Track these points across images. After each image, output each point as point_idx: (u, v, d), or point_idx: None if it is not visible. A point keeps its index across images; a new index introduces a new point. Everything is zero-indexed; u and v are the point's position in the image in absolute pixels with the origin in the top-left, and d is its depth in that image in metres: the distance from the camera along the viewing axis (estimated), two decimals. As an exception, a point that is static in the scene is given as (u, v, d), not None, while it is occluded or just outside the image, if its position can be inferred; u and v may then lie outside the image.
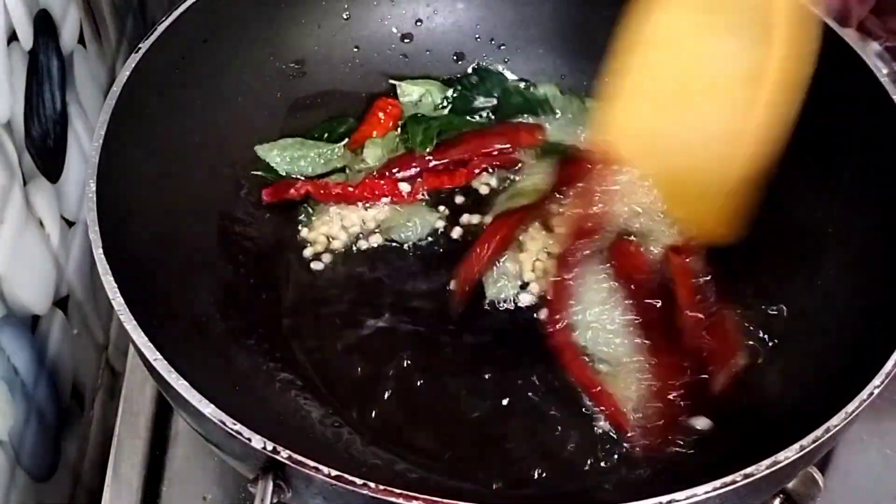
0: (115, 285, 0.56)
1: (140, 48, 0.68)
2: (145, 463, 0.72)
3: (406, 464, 0.64)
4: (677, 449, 0.65)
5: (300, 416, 0.67)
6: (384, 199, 0.79)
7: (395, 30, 0.86)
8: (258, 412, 0.64)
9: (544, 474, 0.64)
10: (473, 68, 0.87)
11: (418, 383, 0.69)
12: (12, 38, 0.66)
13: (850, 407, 0.53)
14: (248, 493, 0.64)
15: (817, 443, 0.52)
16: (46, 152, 0.72)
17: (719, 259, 0.72)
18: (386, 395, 0.68)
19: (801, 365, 0.67)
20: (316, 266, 0.76)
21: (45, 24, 0.72)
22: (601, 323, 0.71)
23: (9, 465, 0.65)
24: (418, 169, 0.81)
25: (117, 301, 0.56)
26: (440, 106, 0.86)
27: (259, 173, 0.79)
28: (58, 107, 0.75)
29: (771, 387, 0.67)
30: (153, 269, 0.66)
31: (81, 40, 0.80)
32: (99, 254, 0.57)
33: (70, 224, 0.77)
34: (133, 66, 0.67)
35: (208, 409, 0.52)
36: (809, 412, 0.56)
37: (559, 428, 0.67)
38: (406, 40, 0.86)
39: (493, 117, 0.86)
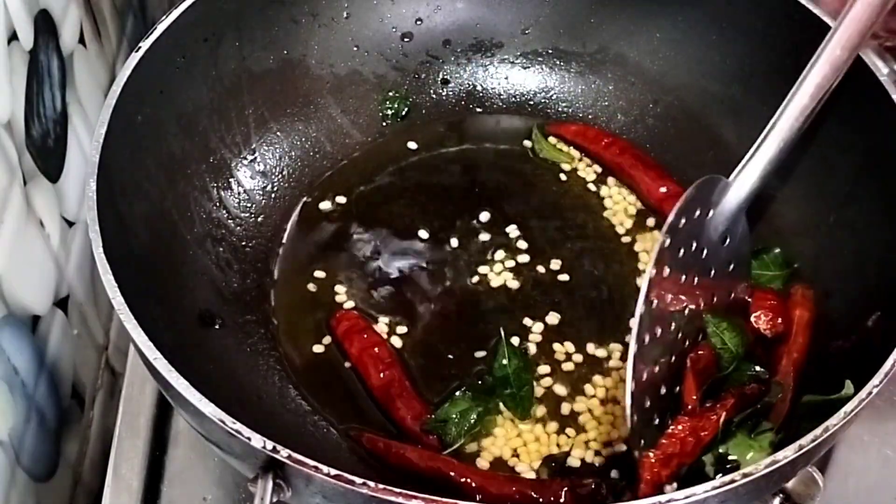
0: (115, 285, 0.56)
1: (140, 48, 0.68)
2: (145, 463, 0.72)
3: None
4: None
5: (299, 415, 0.67)
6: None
7: (395, 29, 0.86)
8: (258, 411, 0.65)
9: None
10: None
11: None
12: (12, 37, 0.66)
13: (849, 406, 0.53)
14: (248, 493, 0.63)
15: (816, 442, 0.52)
16: (46, 152, 0.72)
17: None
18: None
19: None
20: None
21: (45, 24, 0.72)
22: None
23: (9, 465, 0.65)
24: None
25: (117, 301, 0.56)
26: None
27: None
28: (58, 106, 0.75)
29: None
30: (153, 269, 0.66)
31: (82, 40, 0.80)
32: (99, 254, 0.57)
33: (70, 224, 0.77)
34: (133, 66, 0.67)
35: (208, 408, 0.52)
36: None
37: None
38: (406, 39, 0.86)
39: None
